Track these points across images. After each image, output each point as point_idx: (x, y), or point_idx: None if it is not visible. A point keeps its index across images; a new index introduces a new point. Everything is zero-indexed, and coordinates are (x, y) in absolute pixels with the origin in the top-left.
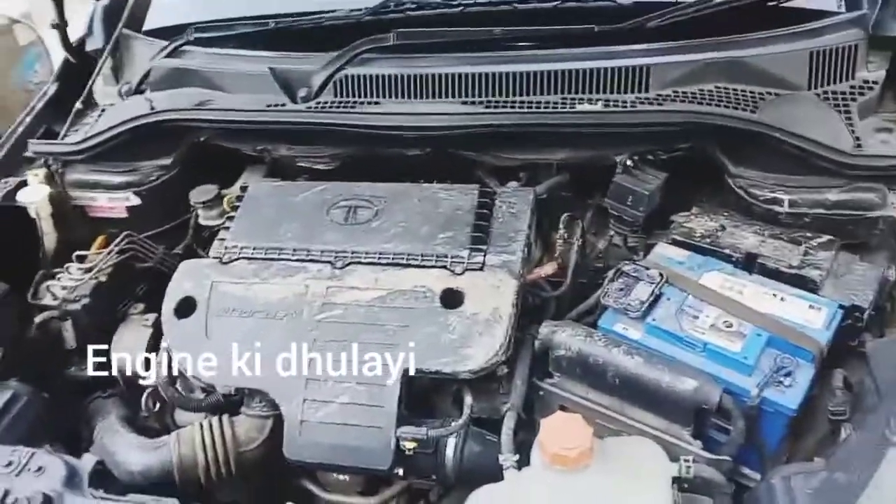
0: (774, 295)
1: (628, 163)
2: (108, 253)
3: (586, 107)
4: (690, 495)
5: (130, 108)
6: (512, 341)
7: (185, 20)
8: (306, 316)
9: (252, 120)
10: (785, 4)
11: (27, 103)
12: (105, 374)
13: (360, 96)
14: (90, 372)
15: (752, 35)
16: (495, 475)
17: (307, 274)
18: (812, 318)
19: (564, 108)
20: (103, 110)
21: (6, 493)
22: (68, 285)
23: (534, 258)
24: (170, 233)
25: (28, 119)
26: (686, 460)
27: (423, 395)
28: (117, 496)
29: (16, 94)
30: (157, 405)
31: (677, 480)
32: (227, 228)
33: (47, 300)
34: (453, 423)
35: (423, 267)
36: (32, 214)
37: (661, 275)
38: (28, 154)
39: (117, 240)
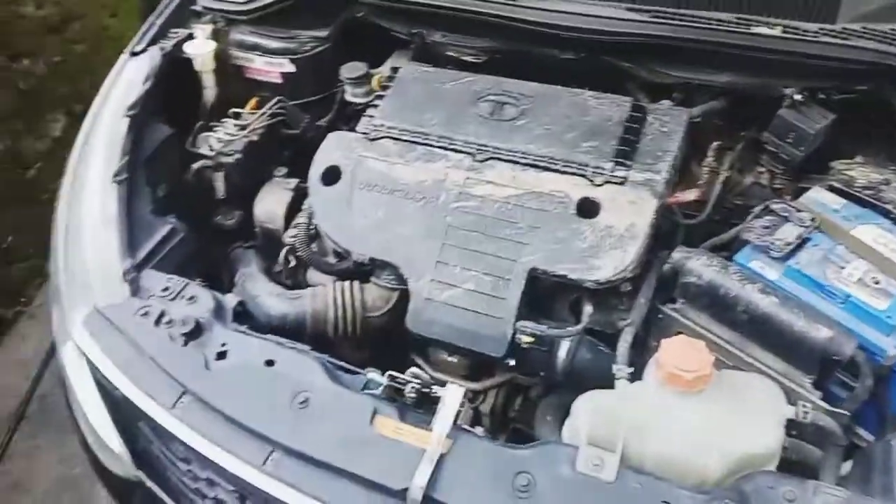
0: None
1: (797, 97)
2: (262, 114)
3: (764, 30)
4: (800, 442)
5: None
6: (643, 259)
7: None
8: (443, 202)
9: (413, 0)
10: None
11: None
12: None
13: None
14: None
15: None
16: (601, 384)
17: (448, 162)
18: None
19: (739, 28)
20: None
21: (162, 314)
22: (223, 139)
23: (674, 181)
24: (317, 104)
25: None
26: (804, 405)
27: (542, 297)
28: (257, 333)
29: None
30: (292, 262)
31: (792, 424)
32: (376, 106)
33: (204, 150)
34: (570, 328)
35: (563, 173)
36: (197, 67)
37: (812, 219)
38: (196, 8)
39: (270, 103)
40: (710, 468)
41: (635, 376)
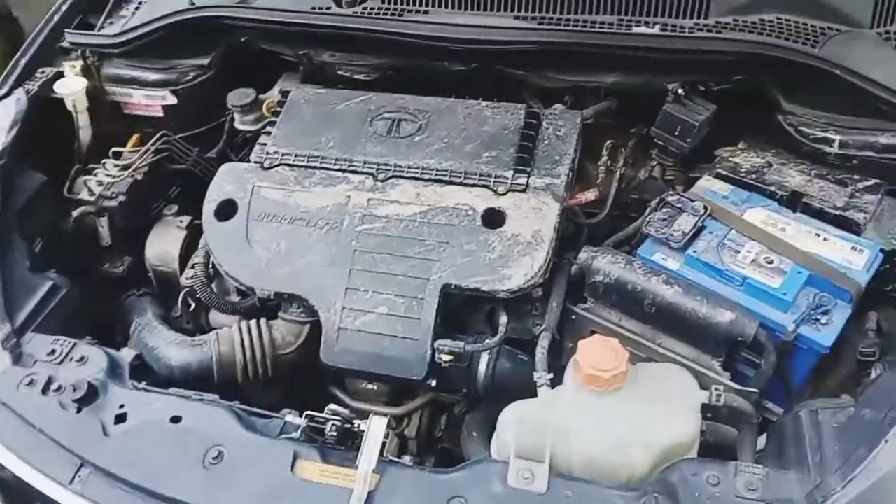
0: (817, 234)
1: (680, 91)
2: (145, 151)
3: (643, 29)
4: (716, 424)
5: (168, 2)
6: (550, 263)
7: None
8: (347, 226)
9: (296, 22)
10: None
11: None
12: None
13: (408, 3)
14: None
15: None
16: (523, 393)
17: (349, 185)
18: (853, 259)
19: (620, 29)
20: (140, 3)
21: (50, 380)
22: (104, 181)
23: (573, 183)
24: (204, 135)
25: (64, 7)
26: (716, 389)
27: (457, 312)
28: (159, 389)
29: None
30: (192, 306)
31: (706, 408)
32: (268, 133)
33: (83, 195)
34: (489, 340)
35: (466, 185)
36: (69, 107)
37: (705, 207)
38: (64, 44)
39: (154, 138)
40: (636, 463)
41: (557, 380)
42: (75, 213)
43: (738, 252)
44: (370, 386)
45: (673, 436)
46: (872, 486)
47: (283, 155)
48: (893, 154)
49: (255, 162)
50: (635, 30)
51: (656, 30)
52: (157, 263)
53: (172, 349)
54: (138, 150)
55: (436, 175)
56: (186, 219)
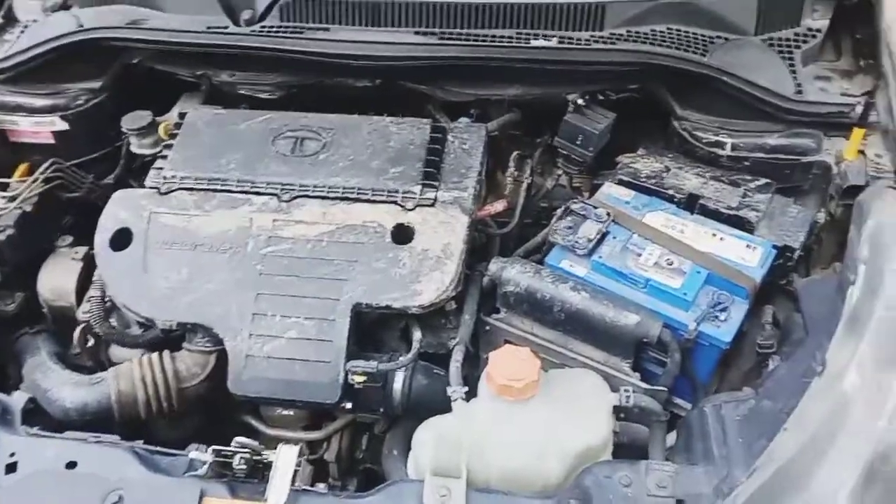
0: (714, 234)
1: (579, 101)
2: (33, 181)
3: (541, 42)
4: (628, 424)
5: (55, 25)
6: (462, 277)
7: None
8: (251, 249)
9: (190, 42)
10: None
11: None
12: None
13: (308, 21)
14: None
15: None
16: (441, 408)
17: (252, 207)
18: (748, 256)
19: (519, 43)
20: (26, 27)
21: None
22: None
23: (481, 195)
24: (99, 161)
25: None
26: (626, 390)
27: (370, 330)
28: (53, 433)
29: None
30: (90, 341)
31: (617, 409)
32: (165, 157)
33: None
34: (402, 358)
35: (374, 202)
36: None
37: (608, 213)
38: None
39: (42, 167)
40: (551, 471)
41: (473, 392)
42: None
43: (640, 255)
44: (285, 412)
45: (586, 441)
46: (774, 473)
47: (181, 179)
48: (781, 154)
49: (151, 187)
50: (533, 43)
51: (554, 42)
52: (51, 298)
53: (67, 390)
54: (26, 180)
55: (342, 193)
56: (82, 250)
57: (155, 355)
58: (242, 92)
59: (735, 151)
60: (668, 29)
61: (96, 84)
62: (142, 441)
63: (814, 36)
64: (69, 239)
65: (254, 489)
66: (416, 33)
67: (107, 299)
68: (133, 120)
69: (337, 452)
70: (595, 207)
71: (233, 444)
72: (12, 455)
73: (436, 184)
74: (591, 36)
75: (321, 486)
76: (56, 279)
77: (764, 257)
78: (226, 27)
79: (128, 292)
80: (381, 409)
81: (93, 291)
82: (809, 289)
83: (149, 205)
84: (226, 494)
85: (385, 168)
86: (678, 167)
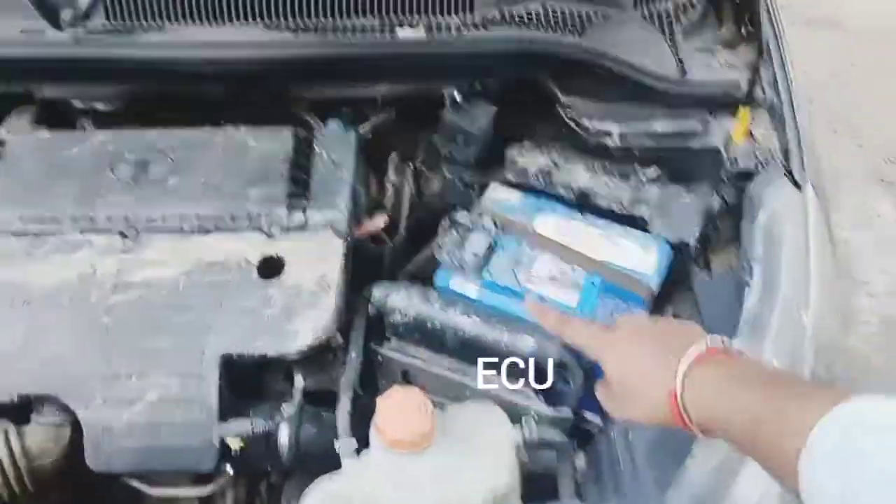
0: (607, 238)
1: (456, 97)
2: None
3: (407, 32)
4: (537, 452)
5: None
6: (343, 310)
7: None
8: (96, 300)
9: (1, 56)
10: None
11: None
12: None
13: (138, 19)
14: None
15: None
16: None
17: (93, 249)
18: (643, 261)
19: (384, 33)
20: None
21: None
22: None
23: (363, 207)
24: None
25: None
26: (528, 421)
27: (249, 375)
28: None
29: None
30: None
31: (522, 444)
32: None
33: None
34: (284, 409)
35: (234, 230)
36: None
37: (495, 222)
38: None
39: None
40: None
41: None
42: None
43: (532, 268)
44: None
45: (492, 487)
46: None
47: (5, 221)
48: (670, 140)
49: None
50: (399, 33)
51: (421, 31)
52: None
53: None
54: None
55: (197, 224)
56: None
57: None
58: (77, 105)
59: (623, 141)
60: (544, 8)
61: None
62: None
63: (693, 6)
64: None
65: None
66: (266, 27)
67: None
68: None
69: None
70: (481, 215)
71: None
72: None
73: (304, 203)
74: (462, 21)
75: None
76: None
77: (659, 261)
78: (43, 31)
79: None
80: (269, 467)
81: None
82: (707, 288)
83: None
84: None
85: (244, 190)
86: (566, 161)
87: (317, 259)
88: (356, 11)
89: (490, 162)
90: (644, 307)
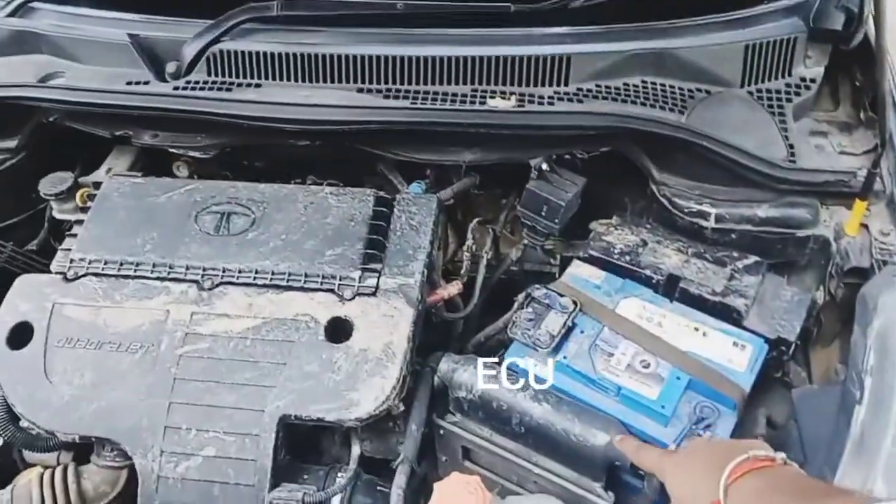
0: (696, 329)
1: (543, 167)
2: None
3: (498, 103)
4: None
5: None
6: (406, 380)
7: None
8: (166, 349)
9: (106, 103)
10: None
11: None
12: None
13: (237, 76)
14: None
15: (684, 22)
16: None
17: (168, 296)
18: (735, 358)
19: (474, 102)
20: None
21: None
22: None
23: (438, 272)
24: (24, 225)
25: None
26: None
27: (307, 437)
28: None
29: None
30: (0, 441)
31: None
32: (74, 235)
33: None
34: (338, 480)
35: (307, 290)
36: None
37: (574, 303)
38: None
39: None
40: None
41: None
42: None
43: (611, 355)
44: None
45: None
46: None
47: (89, 263)
48: (773, 227)
49: (57, 272)
50: (489, 103)
51: (512, 101)
52: None
53: None
54: None
55: (271, 280)
56: None
57: (59, 471)
58: (174, 150)
59: (720, 223)
60: (643, 82)
61: (12, 143)
62: None
63: (807, 87)
64: None
65: None
66: (359, 91)
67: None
68: (52, 184)
69: None
70: (560, 295)
71: None
72: None
73: (378, 268)
74: (556, 92)
75: None
76: None
77: (754, 358)
78: (147, 82)
79: (26, 399)
80: None
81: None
82: (807, 400)
83: (52, 294)
84: None
85: (321, 249)
86: (657, 241)
87: (385, 325)
88: (449, 80)
89: (574, 232)
90: (733, 409)
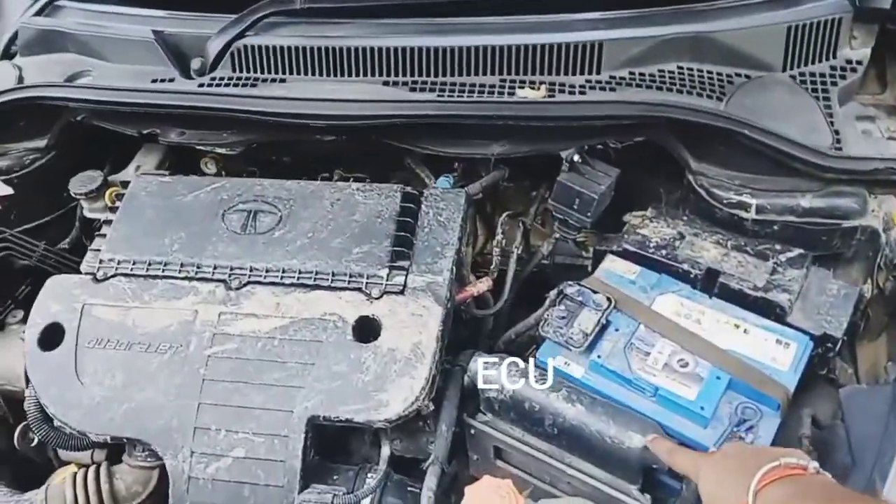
0: (737, 326)
1: (575, 158)
2: None
3: (528, 93)
4: None
5: None
6: (436, 380)
7: None
8: (194, 349)
9: (133, 102)
10: None
11: None
12: None
13: (262, 71)
14: None
15: (722, 3)
16: None
17: (196, 296)
18: (779, 356)
19: (503, 92)
20: None
21: None
22: None
23: (467, 268)
24: (56, 224)
25: None
26: None
27: (336, 437)
28: None
29: None
30: (34, 440)
31: None
32: (103, 235)
33: None
34: (368, 481)
35: (335, 289)
36: None
37: (608, 300)
38: None
39: None
40: None
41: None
42: None
43: (648, 354)
44: None
45: None
46: None
47: (119, 263)
48: (818, 218)
49: (86, 273)
50: (518, 94)
51: (542, 91)
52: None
53: None
54: None
55: (298, 278)
56: None
57: (91, 471)
58: (201, 148)
59: (761, 214)
60: (679, 68)
61: (41, 143)
62: None
63: (853, 69)
64: (20, 314)
65: None
66: (385, 84)
67: None
68: (81, 183)
69: None
70: (594, 292)
71: None
72: None
73: (406, 265)
74: (587, 81)
75: None
76: (4, 360)
77: (798, 357)
78: (172, 79)
79: (57, 400)
80: None
81: (31, 389)
82: (855, 400)
83: (82, 295)
84: None
85: (349, 247)
86: (694, 233)
87: (414, 324)
88: (477, 70)
89: (607, 227)
90: (776, 410)
